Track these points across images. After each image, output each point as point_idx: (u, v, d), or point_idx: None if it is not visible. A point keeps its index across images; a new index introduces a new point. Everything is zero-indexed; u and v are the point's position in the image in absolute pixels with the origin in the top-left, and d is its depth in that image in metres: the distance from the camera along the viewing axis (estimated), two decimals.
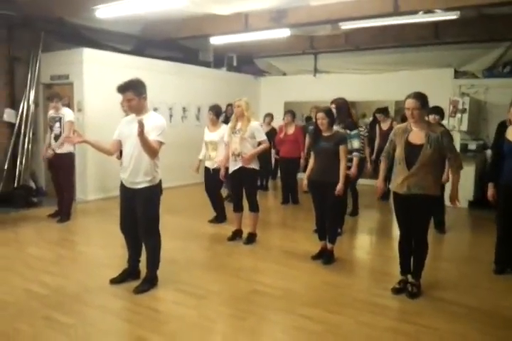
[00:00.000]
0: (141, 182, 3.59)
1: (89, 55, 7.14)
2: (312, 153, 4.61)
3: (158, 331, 3.09)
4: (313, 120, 7.18)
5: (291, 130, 7.16)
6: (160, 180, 3.73)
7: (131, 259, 3.89)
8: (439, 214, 5.67)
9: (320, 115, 4.39)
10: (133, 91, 3.51)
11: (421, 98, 3.54)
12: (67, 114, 5.82)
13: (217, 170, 5.61)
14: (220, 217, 6.02)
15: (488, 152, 7.34)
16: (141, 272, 3.92)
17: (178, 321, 3.24)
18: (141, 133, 3.27)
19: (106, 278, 3.86)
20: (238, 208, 5.20)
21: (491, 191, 4.27)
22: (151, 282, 3.76)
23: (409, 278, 3.81)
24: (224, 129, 5.65)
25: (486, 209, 6.54)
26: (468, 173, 6.88)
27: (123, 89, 3.52)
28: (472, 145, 7.54)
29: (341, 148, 4.35)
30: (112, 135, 3.74)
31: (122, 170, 3.68)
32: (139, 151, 3.50)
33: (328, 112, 4.43)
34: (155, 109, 7.96)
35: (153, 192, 3.65)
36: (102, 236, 5.43)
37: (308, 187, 4.56)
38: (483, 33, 7.49)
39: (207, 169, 5.87)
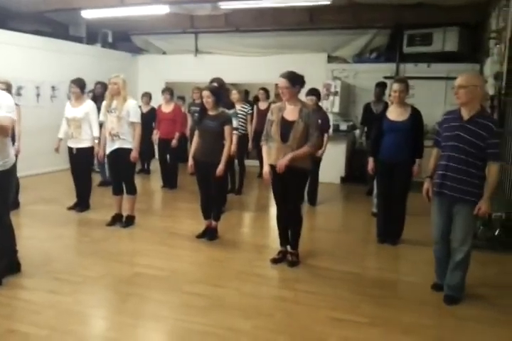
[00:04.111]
0: None
1: None
2: (196, 132, 4.56)
3: (30, 321, 2.86)
4: (195, 101, 7.17)
5: (168, 108, 6.89)
6: (13, 165, 3.36)
7: None
8: (312, 187, 5.99)
9: (205, 93, 4.32)
10: None
11: (290, 77, 3.68)
12: None
13: (82, 150, 5.27)
14: (82, 204, 5.53)
15: (357, 132, 7.94)
16: (20, 264, 3.60)
17: (53, 309, 3.03)
18: None
19: None
20: (118, 191, 4.97)
21: (371, 164, 4.60)
22: None
23: (289, 248, 4.00)
24: (89, 105, 5.29)
25: (355, 184, 7.15)
26: (339, 151, 7.43)
27: None
28: (343, 126, 8.08)
29: (226, 128, 4.34)
30: None
31: None
32: None
33: (213, 90, 4.36)
34: (19, 88, 7.27)
35: (3, 178, 3.27)
36: None
37: (193, 167, 4.51)
38: (352, 20, 7.97)
39: (70, 149, 5.39)
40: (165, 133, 6.86)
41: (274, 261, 3.96)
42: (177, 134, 6.80)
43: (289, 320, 3.01)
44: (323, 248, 4.49)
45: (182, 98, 9.01)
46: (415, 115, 4.38)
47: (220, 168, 4.31)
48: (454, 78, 3.28)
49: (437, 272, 3.47)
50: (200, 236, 4.58)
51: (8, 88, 5.29)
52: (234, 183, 6.61)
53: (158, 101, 7.43)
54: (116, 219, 5.01)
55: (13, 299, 3.16)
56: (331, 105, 7.90)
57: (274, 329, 2.86)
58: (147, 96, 7.69)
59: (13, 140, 5.09)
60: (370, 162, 4.61)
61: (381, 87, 6.56)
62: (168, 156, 7.06)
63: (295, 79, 3.69)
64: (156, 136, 7.04)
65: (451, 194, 3.16)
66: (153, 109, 7.46)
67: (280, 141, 3.72)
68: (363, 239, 4.84)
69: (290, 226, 3.95)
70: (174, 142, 6.78)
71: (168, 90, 6.99)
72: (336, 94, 8.00)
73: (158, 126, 7.02)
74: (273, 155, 3.79)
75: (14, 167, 3.39)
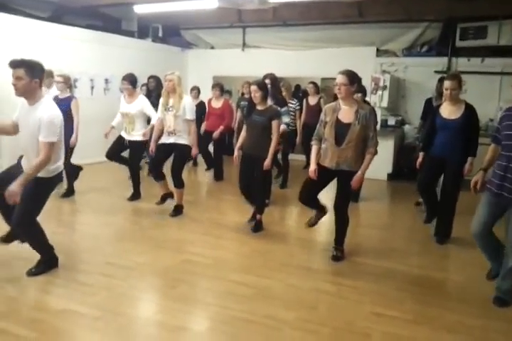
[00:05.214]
0: None
1: (1, 20, 6.56)
2: (244, 126, 4.63)
3: (85, 302, 3.03)
4: (246, 95, 7.25)
5: (218, 104, 7.06)
6: (57, 174, 3.37)
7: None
8: None
9: (253, 88, 4.38)
10: (25, 70, 3.08)
11: (350, 75, 3.61)
12: None
13: (134, 143, 5.42)
14: (133, 193, 5.71)
15: (406, 127, 7.79)
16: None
17: (107, 292, 3.19)
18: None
19: (22, 252, 3.65)
20: (159, 177, 5.07)
21: (421, 159, 4.50)
22: (46, 263, 3.45)
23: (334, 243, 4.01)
24: (142, 101, 5.43)
25: (403, 181, 7.02)
26: (387, 147, 7.29)
27: (15, 64, 3.09)
28: (391, 121, 7.94)
29: (274, 123, 4.38)
30: None
31: (24, 157, 3.38)
32: (31, 143, 3.22)
33: (261, 85, 4.42)
34: (75, 80, 7.58)
35: (40, 185, 3.23)
36: None
37: (239, 159, 4.59)
38: (403, 13, 7.80)
39: (121, 136, 5.55)
40: (211, 127, 7.06)
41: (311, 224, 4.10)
42: (221, 127, 6.94)
43: (332, 313, 3.03)
44: (367, 244, 4.47)
45: (229, 92, 9.10)
46: (469, 112, 4.19)
47: (267, 162, 4.37)
48: (510, 74, 3.14)
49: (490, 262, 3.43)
50: (250, 219, 4.69)
51: (65, 81, 5.54)
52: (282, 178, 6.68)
53: (206, 95, 7.56)
54: (167, 197, 5.18)
55: (70, 281, 3.34)
56: (380, 100, 7.76)
57: (317, 322, 2.89)
58: (196, 90, 7.83)
59: (71, 132, 5.37)
60: (420, 157, 4.51)
61: (443, 82, 6.34)
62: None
63: (354, 77, 3.62)
64: (202, 128, 7.22)
65: (510, 197, 3.02)
66: (201, 103, 7.59)
67: (335, 144, 3.67)
68: (408, 236, 4.77)
69: (337, 224, 3.95)
70: (216, 133, 6.93)
71: (218, 86, 7.12)
72: (384, 88, 7.85)
73: (206, 119, 7.21)
74: (327, 158, 3.74)
75: (57, 177, 3.40)
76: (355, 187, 3.79)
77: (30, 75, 3.11)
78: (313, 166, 3.81)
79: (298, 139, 6.73)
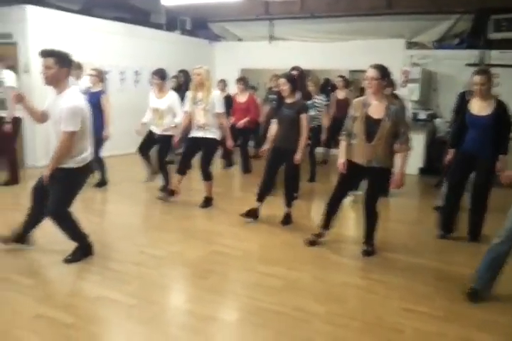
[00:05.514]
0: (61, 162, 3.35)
1: (33, 13, 6.71)
2: (276, 120, 4.62)
3: (119, 290, 3.11)
4: (272, 88, 7.23)
5: (243, 98, 7.08)
6: (86, 165, 3.41)
7: (25, 224, 3.61)
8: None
9: (281, 81, 4.38)
10: (55, 60, 3.22)
11: (381, 69, 3.56)
12: (7, 78, 5.42)
13: (163, 136, 5.45)
14: (166, 185, 5.71)
15: (437, 121, 7.65)
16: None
17: (140, 281, 3.26)
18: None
19: (62, 240, 3.76)
20: (182, 171, 5.10)
21: (450, 156, 4.40)
22: (82, 251, 3.55)
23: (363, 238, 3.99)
24: (172, 96, 5.44)
25: (435, 175, 6.92)
26: (418, 141, 7.16)
27: (46, 53, 3.23)
28: (422, 115, 7.79)
29: (302, 116, 4.37)
30: None
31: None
32: (56, 131, 3.32)
33: (289, 78, 4.41)
34: (105, 72, 7.69)
35: (69, 176, 3.33)
36: None
37: (269, 152, 4.60)
38: (433, 5, 7.65)
39: (151, 132, 5.59)
40: (238, 122, 7.05)
41: (310, 243, 4.01)
42: (246, 119, 6.97)
43: (363, 307, 3.04)
44: (397, 239, 4.44)
45: (253, 87, 9.04)
46: (500, 109, 4.02)
47: (298, 156, 4.37)
48: None
49: (481, 274, 3.17)
50: (245, 215, 4.62)
51: (98, 75, 5.64)
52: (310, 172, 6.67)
53: (234, 88, 7.57)
54: (170, 194, 5.25)
55: (104, 268, 3.43)
56: (410, 93, 7.63)
57: (347, 316, 2.89)
58: (222, 83, 7.85)
59: (102, 125, 5.46)
60: (450, 154, 4.43)
61: None
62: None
63: (385, 71, 3.56)
64: (230, 121, 7.23)
65: None
66: (228, 96, 7.58)
67: (365, 140, 3.63)
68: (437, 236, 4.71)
69: (367, 220, 3.92)
70: (240, 122, 6.96)
71: (242, 80, 7.11)
72: (415, 81, 7.71)
73: (233, 113, 7.21)
74: (357, 153, 3.71)
75: (86, 168, 3.45)
76: (398, 187, 3.75)
77: (59, 65, 3.25)
78: (342, 159, 3.79)
79: (323, 136, 6.64)
